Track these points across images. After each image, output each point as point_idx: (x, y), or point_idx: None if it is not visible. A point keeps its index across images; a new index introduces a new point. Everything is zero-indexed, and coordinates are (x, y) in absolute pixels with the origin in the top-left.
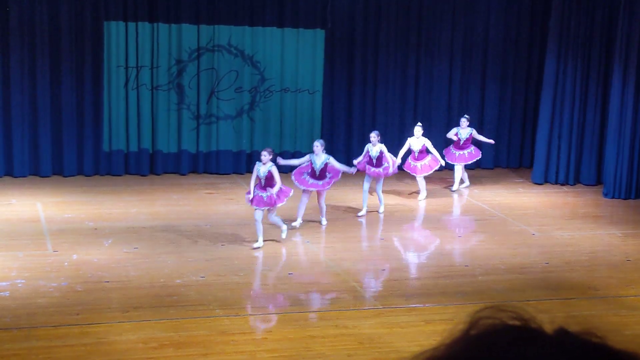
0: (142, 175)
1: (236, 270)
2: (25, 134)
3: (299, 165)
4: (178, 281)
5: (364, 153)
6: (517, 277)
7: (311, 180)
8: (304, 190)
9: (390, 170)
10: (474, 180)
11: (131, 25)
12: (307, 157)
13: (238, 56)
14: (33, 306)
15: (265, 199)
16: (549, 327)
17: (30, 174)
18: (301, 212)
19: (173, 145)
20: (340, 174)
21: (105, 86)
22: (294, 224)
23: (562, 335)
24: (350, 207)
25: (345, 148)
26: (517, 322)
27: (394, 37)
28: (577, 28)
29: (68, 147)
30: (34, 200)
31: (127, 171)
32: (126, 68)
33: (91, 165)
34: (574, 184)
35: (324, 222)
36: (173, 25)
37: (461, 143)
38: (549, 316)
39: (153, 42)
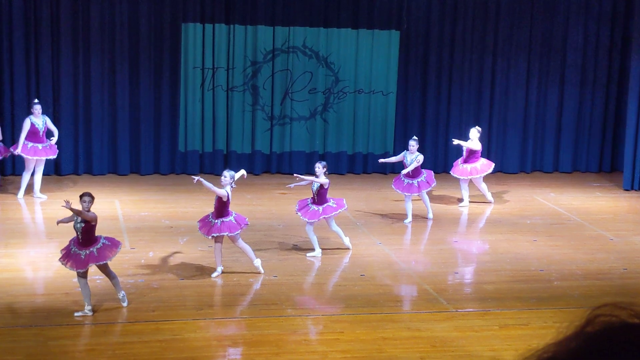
0: (216, 175)
1: (308, 271)
2: (105, 134)
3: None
4: (251, 280)
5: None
6: (594, 283)
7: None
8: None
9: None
10: (552, 184)
11: (208, 26)
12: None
13: (312, 57)
14: (110, 302)
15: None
16: None
17: (109, 172)
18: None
19: (247, 145)
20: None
21: (182, 87)
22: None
23: None
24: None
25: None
26: (636, 321)
27: (470, 39)
28: None
29: (145, 146)
30: (112, 197)
31: (202, 170)
32: (202, 69)
33: (167, 164)
34: None
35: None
36: (249, 26)
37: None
38: None
39: (229, 44)
